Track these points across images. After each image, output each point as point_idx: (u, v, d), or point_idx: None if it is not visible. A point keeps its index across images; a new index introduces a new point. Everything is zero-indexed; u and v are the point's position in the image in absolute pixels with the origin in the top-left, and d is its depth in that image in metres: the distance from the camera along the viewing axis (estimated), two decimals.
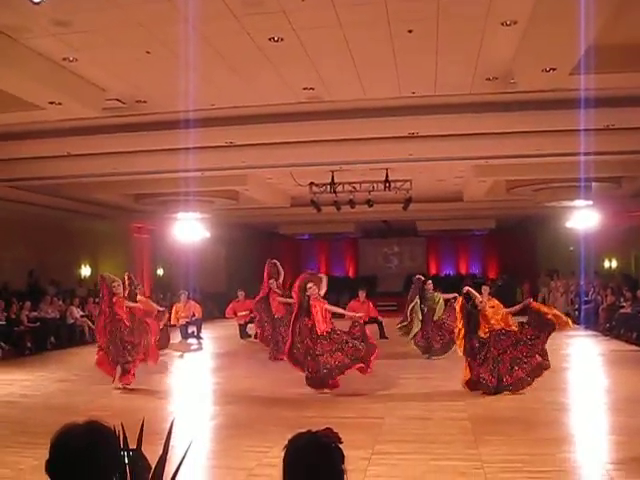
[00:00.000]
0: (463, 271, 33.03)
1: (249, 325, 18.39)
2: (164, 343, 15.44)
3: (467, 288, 10.86)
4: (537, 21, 7.57)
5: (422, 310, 14.36)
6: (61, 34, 8.01)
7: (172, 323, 18.50)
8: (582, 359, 14.91)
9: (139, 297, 12.06)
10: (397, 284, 29.91)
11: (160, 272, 27.99)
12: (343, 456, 2.21)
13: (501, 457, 6.61)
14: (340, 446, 2.21)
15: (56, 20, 7.55)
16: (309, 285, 10.58)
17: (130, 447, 2.31)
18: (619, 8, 7.05)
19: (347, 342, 10.32)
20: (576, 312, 22.23)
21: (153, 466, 2.33)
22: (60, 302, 18.95)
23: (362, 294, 18.20)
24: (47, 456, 2.12)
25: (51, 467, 2.08)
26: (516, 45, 8.57)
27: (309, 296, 10.45)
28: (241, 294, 18.68)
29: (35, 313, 17.47)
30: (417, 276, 15.33)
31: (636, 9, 7.39)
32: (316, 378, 10.29)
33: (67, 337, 17.93)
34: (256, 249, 31.35)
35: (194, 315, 18.37)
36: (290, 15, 7.56)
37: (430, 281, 15.10)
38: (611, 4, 6.96)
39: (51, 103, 10.11)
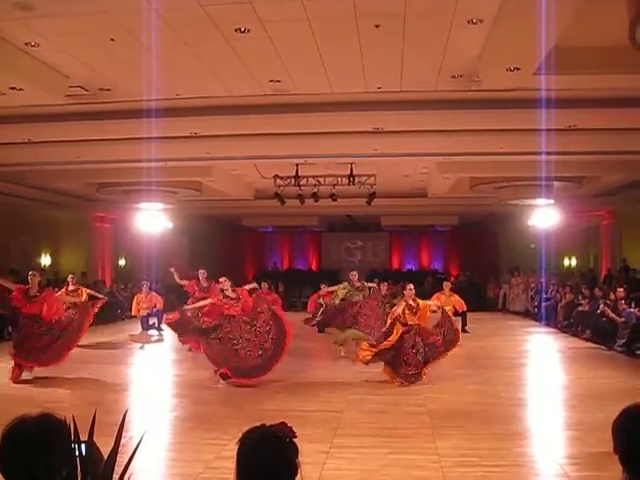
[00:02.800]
0: (426, 267, 33.25)
1: None
2: None
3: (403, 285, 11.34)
4: (502, 20, 7.65)
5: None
6: (24, 18, 7.86)
7: (133, 314, 18.38)
8: (540, 355, 15.11)
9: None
10: (360, 278, 29.97)
11: (122, 262, 27.74)
12: (297, 450, 2.21)
13: (458, 451, 6.68)
14: (294, 440, 2.21)
15: (19, 3, 7.41)
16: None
17: (82, 439, 2.28)
18: (582, 10, 7.14)
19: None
20: (535, 309, 22.57)
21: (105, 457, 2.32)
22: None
23: (324, 287, 18.24)
24: None
25: (2, 460, 2.05)
26: (481, 44, 8.65)
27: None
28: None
29: None
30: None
31: (598, 12, 7.49)
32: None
33: None
34: (219, 241, 31.25)
35: (155, 306, 18.22)
36: (257, 6, 7.52)
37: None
38: (574, 6, 7.04)
39: (12, 89, 9.92)
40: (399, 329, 10.61)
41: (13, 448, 2.05)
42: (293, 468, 2.18)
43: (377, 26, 8.13)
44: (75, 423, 2.19)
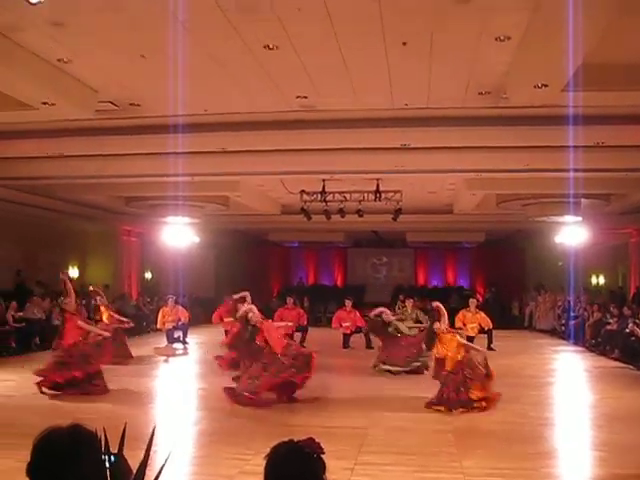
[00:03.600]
0: (451, 283, 33.10)
1: None
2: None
3: (437, 304, 10.78)
4: (530, 38, 7.64)
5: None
6: (57, 35, 8.01)
7: (158, 327, 18.48)
8: (567, 374, 14.96)
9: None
10: (385, 294, 29.92)
11: (148, 276, 27.94)
12: (325, 466, 2.21)
13: (484, 470, 6.62)
14: (322, 456, 2.22)
15: (52, 21, 7.55)
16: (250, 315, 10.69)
17: (112, 451, 2.30)
18: (610, 27, 7.12)
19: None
20: (563, 327, 22.33)
21: (134, 471, 2.33)
22: (46, 303, 18.85)
23: (349, 303, 18.27)
24: (29, 458, 2.11)
25: (32, 470, 2.07)
26: (509, 60, 8.63)
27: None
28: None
29: (21, 313, 17.39)
30: (373, 313, 15.14)
31: (626, 29, 7.47)
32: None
33: (52, 338, 17.77)
34: (245, 255, 31.34)
35: (180, 320, 18.32)
36: (286, 23, 7.59)
37: (385, 312, 14.89)
38: (602, 23, 7.02)
39: (44, 103, 10.08)
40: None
41: (44, 458, 2.07)
42: None
43: (404, 43, 8.16)
44: (106, 435, 2.21)
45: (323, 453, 2.21)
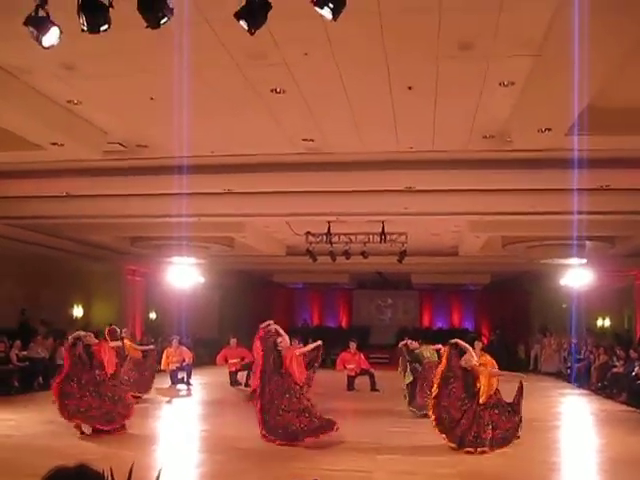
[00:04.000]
0: (456, 325, 32.95)
1: (239, 373, 18.29)
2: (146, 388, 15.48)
3: (456, 340, 10.72)
4: (534, 82, 7.75)
5: (416, 370, 13.98)
6: (67, 77, 8.16)
7: (162, 368, 18.39)
8: (573, 418, 14.80)
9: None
10: (390, 336, 29.82)
11: (152, 316, 27.89)
12: None
13: None
14: None
15: (63, 63, 7.70)
16: (279, 340, 10.60)
17: None
18: (614, 72, 7.22)
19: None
20: (568, 370, 22.16)
21: None
22: (50, 342, 18.80)
23: (353, 345, 18.21)
24: None
25: None
26: (513, 105, 8.74)
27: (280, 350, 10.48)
28: (233, 341, 18.65)
29: (24, 352, 17.34)
30: (400, 344, 15.06)
31: (630, 73, 7.57)
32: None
33: (54, 378, 17.72)
34: (250, 296, 31.29)
35: (184, 360, 18.25)
36: (292, 68, 7.72)
37: (410, 341, 14.79)
38: (606, 68, 7.13)
39: (53, 144, 10.22)
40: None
41: None
42: None
43: (409, 88, 8.28)
44: (112, 476, 2.21)
45: None
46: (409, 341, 14.77)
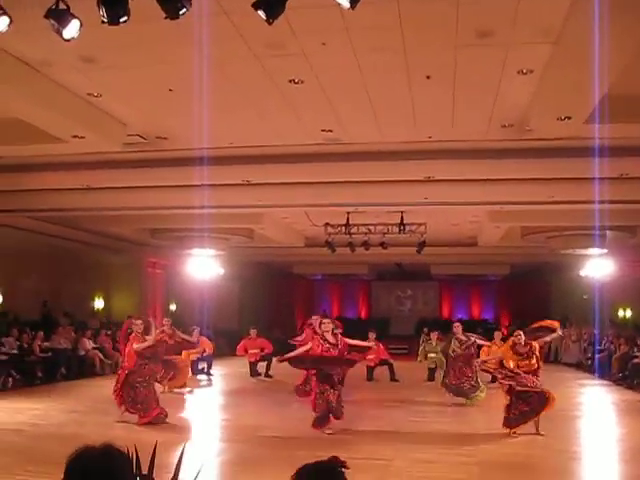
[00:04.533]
0: (476, 316, 32.88)
1: (259, 363, 18.39)
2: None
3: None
4: (553, 70, 7.71)
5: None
6: (87, 70, 8.23)
7: (183, 358, 18.49)
8: (594, 408, 14.73)
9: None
10: (409, 327, 29.88)
11: (173, 307, 28.04)
12: None
13: None
14: (346, 473, 2.25)
15: (83, 56, 7.76)
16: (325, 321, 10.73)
17: (143, 472, 2.34)
18: (634, 59, 7.17)
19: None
20: (589, 361, 22.05)
21: None
22: (72, 333, 19.01)
23: (372, 335, 18.18)
24: (62, 477, 2.16)
25: None
26: (532, 93, 8.70)
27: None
28: (253, 332, 18.73)
29: (47, 343, 17.54)
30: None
31: None
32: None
33: (78, 368, 17.94)
34: (270, 288, 31.41)
35: (205, 351, 18.35)
36: (311, 58, 7.73)
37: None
38: (626, 55, 7.08)
39: (74, 137, 10.32)
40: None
41: (78, 476, 2.11)
42: None
43: (428, 77, 8.27)
44: (137, 455, 2.25)
45: (348, 468, 2.24)
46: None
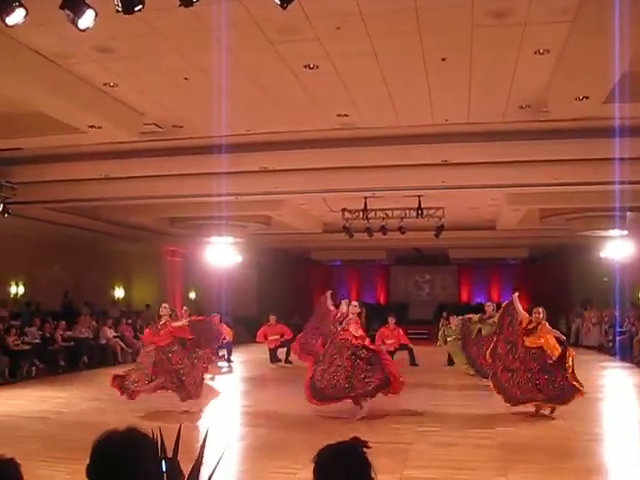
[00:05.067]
0: (495, 300, 32.71)
1: (279, 349, 18.46)
2: None
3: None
4: (570, 50, 7.64)
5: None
6: (103, 60, 8.26)
7: None
8: (615, 390, 14.68)
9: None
10: (428, 312, 29.79)
11: (192, 295, 28.19)
12: (371, 465, 2.26)
13: None
14: (368, 456, 2.27)
15: (99, 46, 7.79)
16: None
17: (166, 456, 2.37)
18: None
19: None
20: (610, 343, 21.94)
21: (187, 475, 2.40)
22: (93, 322, 19.19)
23: (392, 320, 18.21)
24: (87, 460, 2.19)
25: (92, 471, 2.15)
26: (549, 73, 8.63)
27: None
28: (272, 318, 18.82)
29: (69, 332, 17.73)
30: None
31: None
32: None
33: (99, 357, 18.14)
34: (288, 274, 31.47)
35: (225, 338, 18.41)
36: (325, 43, 7.71)
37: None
38: None
39: (91, 127, 10.37)
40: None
41: (103, 459, 2.14)
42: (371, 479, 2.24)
43: (443, 59, 8.22)
44: (162, 437, 2.27)
45: (369, 448, 2.26)
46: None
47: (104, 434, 2.19)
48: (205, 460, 2.67)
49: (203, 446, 2.54)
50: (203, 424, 10.39)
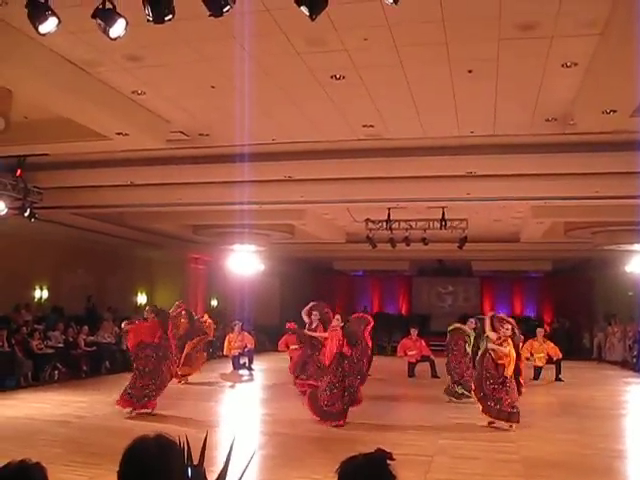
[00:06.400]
0: (518, 313, 32.50)
1: None
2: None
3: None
4: (598, 63, 7.60)
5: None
6: (132, 68, 8.35)
7: (225, 353, 18.72)
8: (638, 406, 14.52)
9: None
10: (450, 323, 29.62)
11: (214, 303, 28.29)
12: (395, 477, 2.26)
13: None
14: (392, 467, 2.27)
15: (128, 55, 7.88)
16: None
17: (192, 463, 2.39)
18: None
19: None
20: (634, 359, 21.70)
21: None
22: (116, 328, 19.30)
23: (414, 332, 18.18)
24: (112, 466, 2.22)
25: (122, 477, 2.18)
26: (576, 86, 8.59)
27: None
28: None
29: (92, 337, 17.86)
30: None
31: None
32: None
33: (121, 362, 18.21)
34: (310, 283, 31.46)
35: (246, 346, 18.51)
36: (352, 54, 7.73)
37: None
38: None
39: (118, 134, 10.46)
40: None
41: (133, 465, 2.17)
42: None
43: (470, 71, 8.21)
44: (188, 444, 2.30)
45: (394, 460, 2.25)
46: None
47: (134, 441, 2.22)
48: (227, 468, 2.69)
49: (229, 455, 2.55)
50: (225, 431, 10.44)
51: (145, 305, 24.28)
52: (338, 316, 11.45)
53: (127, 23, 5.55)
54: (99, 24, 5.47)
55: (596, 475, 7.62)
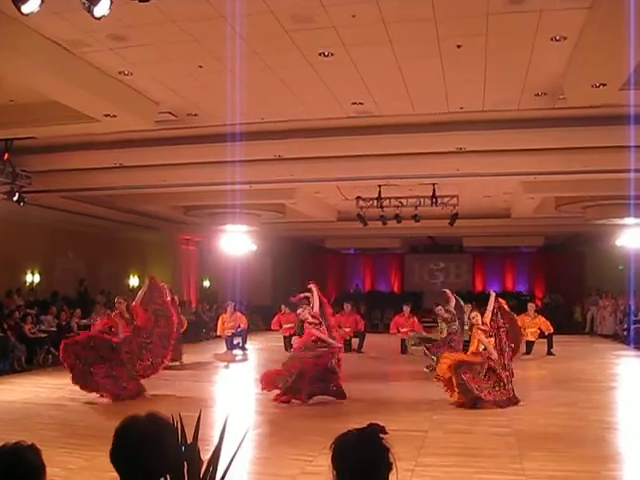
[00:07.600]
0: (510, 289, 32.63)
1: (294, 337, 18.50)
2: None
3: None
4: (587, 36, 7.58)
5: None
6: (118, 48, 8.28)
7: (218, 334, 18.75)
8: (629, 379, 14.63)
9: None
10: (442, 300, 29.71)
11: (207, 284, 28.30)
12: (389, 450, 2.27)
13: (546, 473, 6.57)
14: (385, 441, 2.28)
15: (113, 35, 7.81)
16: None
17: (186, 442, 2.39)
18: None
19: None
20: (625, 332, 21.85)
21: (206, 459, 2.41)
22: (108, 311, 19.25)
23: (406, 309, 18.23)
24: (102, 448, 2.21)
25: (115, 456, 2.18)
26: (565, 60, 8.57)
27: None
28: (285, 308, 18.84)
29: (85, 321, 17.83)
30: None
31: None
32: None
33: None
34: (302, 262, 31.50)
35: (240, 326, 18.54)
36: (340, 31, 7.69)
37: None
38: None
39: (106, 115, 10.39)
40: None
41: (126, 443, 2.17)
42: (389, 464, 2.25)
43: (459, 46, 8.18)
44: (182, 422, 2.29)
45: (387, 433, 2.26)
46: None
47: (126, 420, 2.22)
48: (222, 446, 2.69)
49: (223, 433, 2.56)
50: (219, 411, 10.47)
51: (138, 287, 24.35)
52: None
53: (111, 2, 5.50)
54: (83, 3, 5.42)
55: (588, 446, 7.67)
